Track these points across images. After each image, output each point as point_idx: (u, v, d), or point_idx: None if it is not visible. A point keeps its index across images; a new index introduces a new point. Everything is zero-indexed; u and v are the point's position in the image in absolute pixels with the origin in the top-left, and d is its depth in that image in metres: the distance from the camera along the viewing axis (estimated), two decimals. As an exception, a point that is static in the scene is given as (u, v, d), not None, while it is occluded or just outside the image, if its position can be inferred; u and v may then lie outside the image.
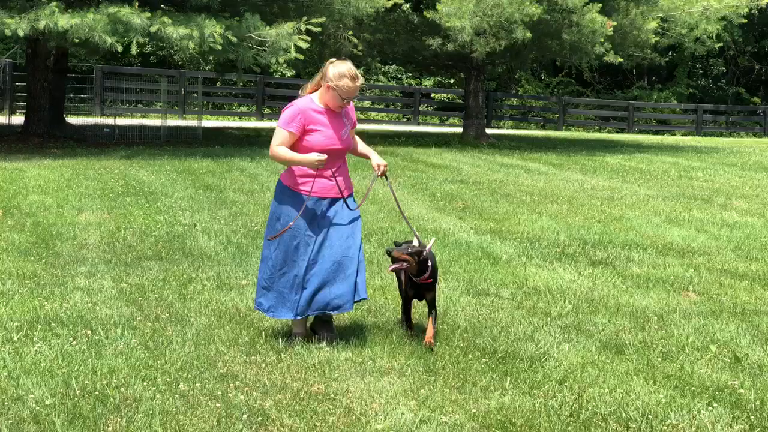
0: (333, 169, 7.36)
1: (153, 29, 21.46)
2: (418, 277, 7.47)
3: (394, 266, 7.45)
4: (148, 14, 21.56)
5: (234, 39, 22.39)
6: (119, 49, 21.91)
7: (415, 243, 7.54)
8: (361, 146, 7.74)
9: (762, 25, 51.02)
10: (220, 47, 22.06)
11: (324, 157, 7.20)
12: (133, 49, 21.88)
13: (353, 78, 7.20)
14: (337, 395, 6.21)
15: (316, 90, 7.38)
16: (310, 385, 6.38)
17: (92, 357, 6.87)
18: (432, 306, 7.52)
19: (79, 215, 13.31)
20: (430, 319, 7.45)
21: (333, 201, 7.39)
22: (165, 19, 21.61)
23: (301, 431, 5.60)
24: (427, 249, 7.49)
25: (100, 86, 36.07)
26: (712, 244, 12.64)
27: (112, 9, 21.22)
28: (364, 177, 15.77)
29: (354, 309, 8.35)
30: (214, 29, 21.77)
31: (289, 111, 7.31)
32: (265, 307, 7.49)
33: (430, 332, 7.35)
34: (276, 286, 7.39)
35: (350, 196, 7.53)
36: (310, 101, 7.33)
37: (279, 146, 7.28)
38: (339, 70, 7.21)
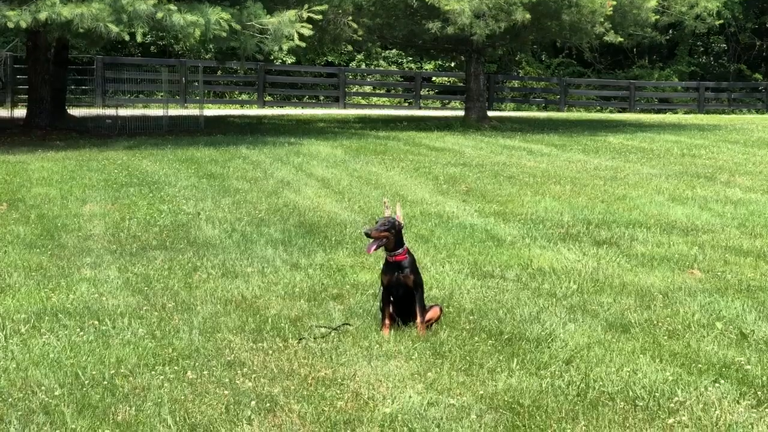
0: None
1: (159, 16, 21.44)
2: (393, 253, 7.34)
3: (375, 244, 7.30)
4: (154, 1, 21.52)
5: (237, 27, 22.42)
6: (126, 38, 21.92)
7: (386, 214, 7.43)
8: None
9: (762, 1, 50.88)
10: (225, 34, 22.09)
11: None
12: (139, 37, 21.89)
13: None
14: (345, 380, 6.23)
15: None
16: (318, 371, 6.40)
17: (100, 347, 6.89)
18: (418, 304, 7.33)
19: (84, 206, 13.33)
20: (417, 309, 7.31)
21: None
22: (171, 6, 21.61)
23: (310, 416, 5.62)
24: (397, 217, 7.39)
25: (101, 77, 36.04)
26: (716, 221, 12.64)
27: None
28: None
29: (360, 293, 8.36)
30: (220, 16, 21.79)
31: None
32: None
33: (418, 320, 7.28)
34: None
35: None
36: None
37: None
38: None
